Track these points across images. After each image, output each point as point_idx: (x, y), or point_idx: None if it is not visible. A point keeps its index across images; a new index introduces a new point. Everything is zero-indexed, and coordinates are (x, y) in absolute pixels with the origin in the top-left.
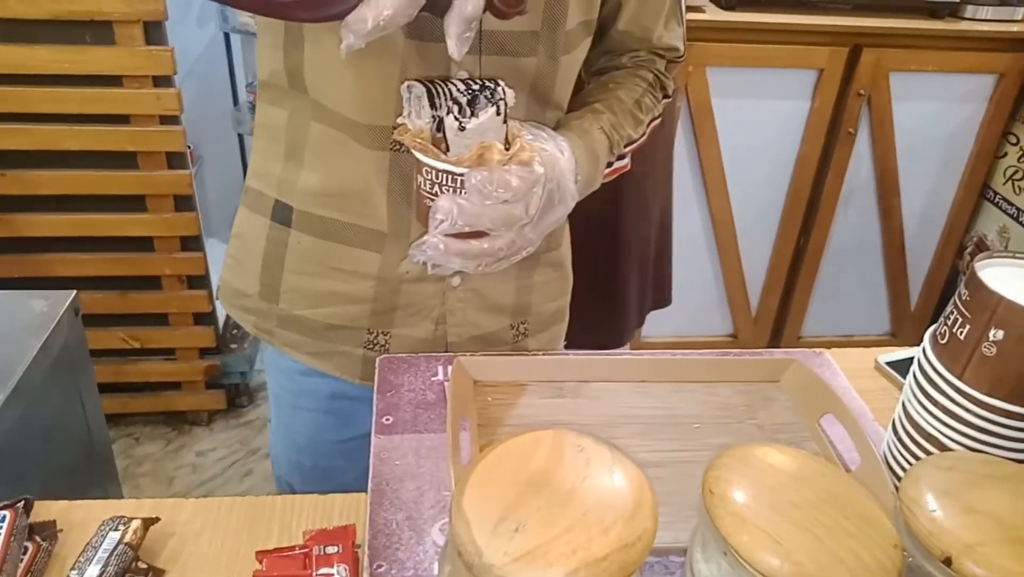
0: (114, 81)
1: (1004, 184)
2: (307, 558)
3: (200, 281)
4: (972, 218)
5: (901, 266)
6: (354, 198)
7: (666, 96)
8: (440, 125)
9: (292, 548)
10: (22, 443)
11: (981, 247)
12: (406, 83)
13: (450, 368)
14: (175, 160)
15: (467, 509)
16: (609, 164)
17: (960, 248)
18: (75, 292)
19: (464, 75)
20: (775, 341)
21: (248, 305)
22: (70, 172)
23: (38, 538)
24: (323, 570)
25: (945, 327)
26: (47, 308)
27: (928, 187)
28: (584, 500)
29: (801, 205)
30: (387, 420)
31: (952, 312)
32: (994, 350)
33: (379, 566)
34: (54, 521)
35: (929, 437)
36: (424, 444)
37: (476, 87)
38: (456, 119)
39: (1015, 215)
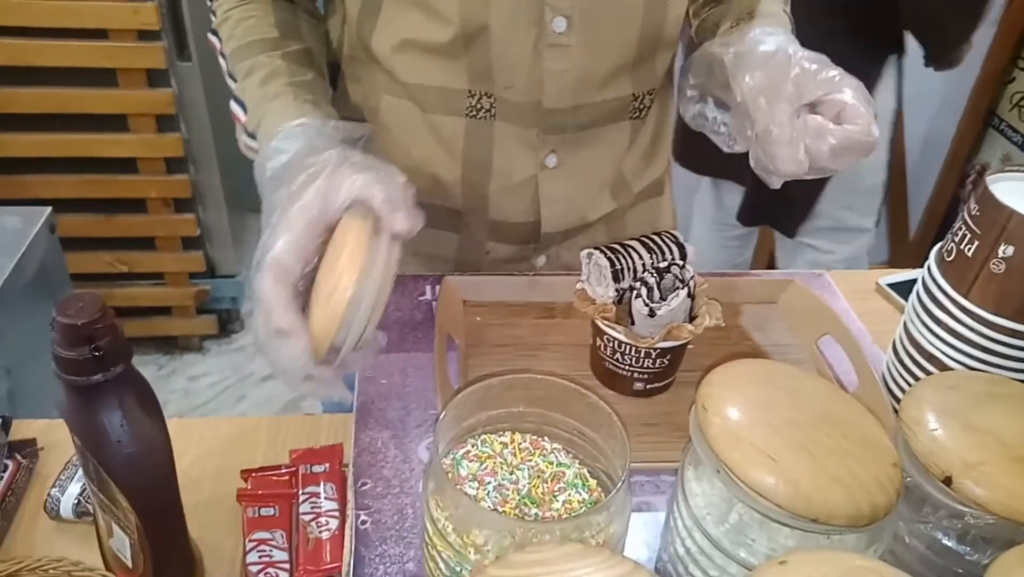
0: None
1: (1010, 111)
2: (293, 477)
3: (187, 205)
4: (976, 146)
5: (901, 194)
6: (426, 175)
7: None
8: (623, 298)
9: (278, 467)
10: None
11: (983, 175)
12: (586, 251)
13: (438, 287)
14: (156, 78)
15: None
16: None
17: (962, 177)
18: (50, 209)
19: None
20: (771, 266)
21: None
22: (46, 89)
23: (18, 456)
24: (309, 488)
25: (952, 244)
26: (20, 225)
27: (931, 114)
28: None
29: None
30: None
31: (960, 228)
32: (1003, 267)
33: (364, 483)
34: (34, 439)
35: (931, 357)
36: (411, 363)
37: (658, 253)
38: (646, 303)
39: (1020, 143)
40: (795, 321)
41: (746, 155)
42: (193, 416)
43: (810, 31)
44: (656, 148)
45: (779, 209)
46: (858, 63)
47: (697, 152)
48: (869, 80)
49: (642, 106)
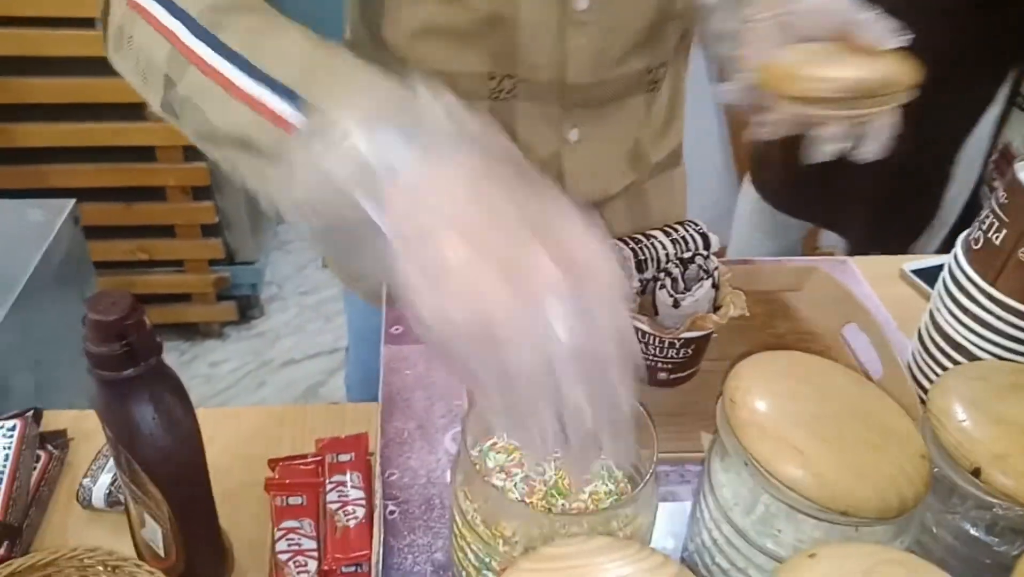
0: None
1: None
2: (320, 466)
3: (205, 192)
4: (999, 126)
5: None
6: None
7: None
8: (647, 288)
9: (305, 456)
10: (26, 355)
11: (1007, 156)
12: (609, 241)
13: None
14: None
15: None
16: None
17: (986, 158)
18: (74, 201)
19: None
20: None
21: (358, 274)
22: (65, 79)
23: (50, 447)
24: (336, 477)
25: (979, 232)
26: (45, 218)
27: None
28: None
29: None
30: (396, 330)
31: (988, 216)
32: None
33: (391, 474)
34: (65, 430)
35: (958, 347)
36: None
37: (681, 243)
38: (670, 294)
39: None
40: (819, 309)
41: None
42: (214, 401)
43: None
44: (671, 118)
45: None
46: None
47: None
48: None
49: (656, 78)
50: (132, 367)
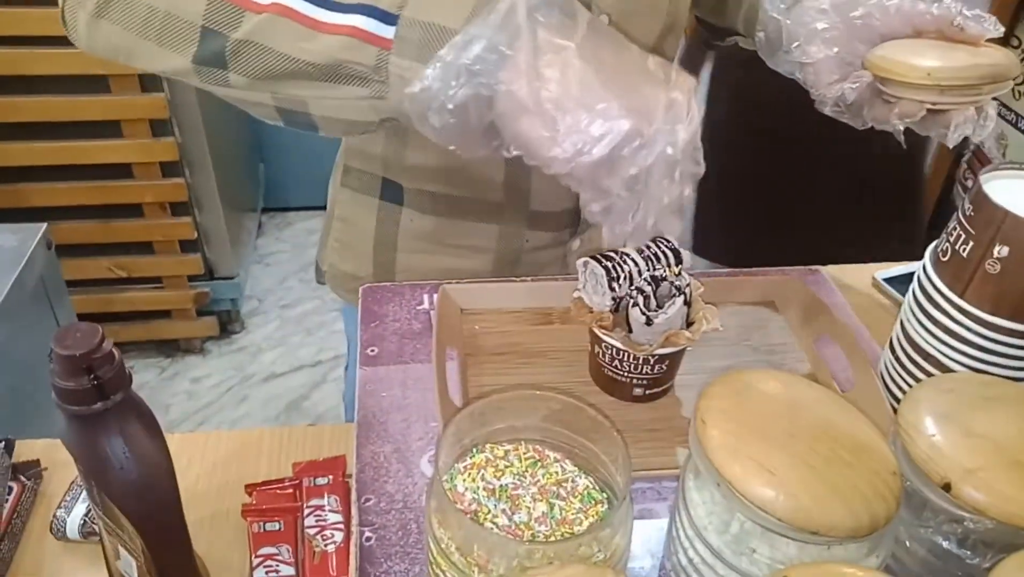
0: None
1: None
2: (297, 490)
3: (183, 208)
4: None
5: None
6: (467, 172)
7: None
8: (620, 305)
9: (282, 481)
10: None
11: (979, 156)
12: (582, 259)
13: (435, 296)
14: (148, 83)
15: None
16: None
17: (957, 156)
18: (45, 225)
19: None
20: None
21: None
22: (39, 98)
23: (23, 477)
24: (314, 501)
25: (947, 243)
26: (17, 243)
27: None
28: None
29: None
30: (372, 351)
31: (955, 228)
32: (998, 267)
33: (367, 500)
34: (38, 460)
35: (928, 357)
36: (410, 375)
37: (653, 260)
38: (643, 312)
39: (1014, 121)
40: (792, 320)
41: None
42: (197, 418)
43: None
44: None
45: None
46: None
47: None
48: None
49: None
50: (101, 401)
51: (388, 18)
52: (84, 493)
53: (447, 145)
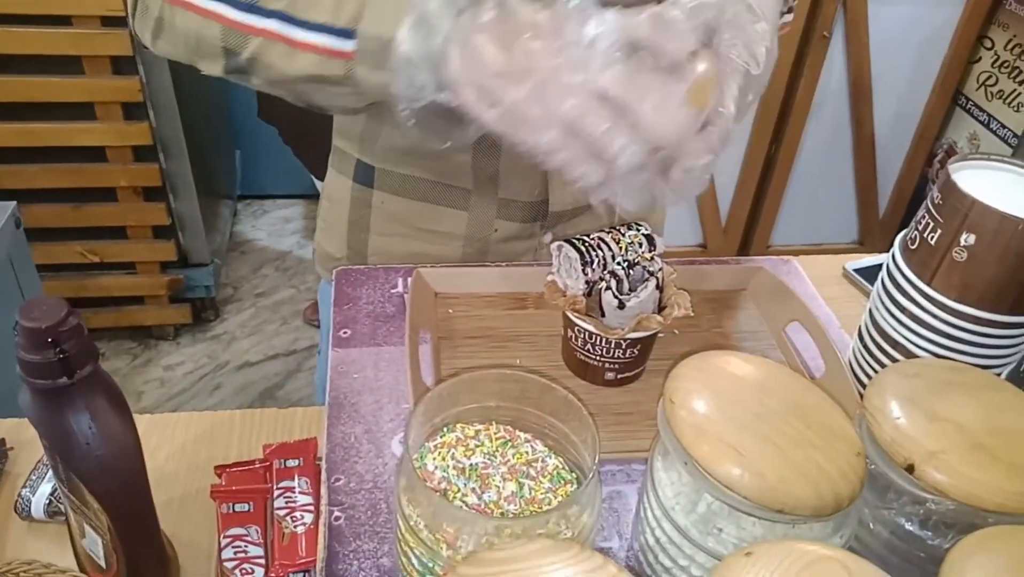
0: None
1: (976, 90)
2: (267, 472)
3: (158, 193)
4: (943, 125)
5: (871, 174)
6: (436, 157)
7: None
8: (593, 289)
9: (252, 462)
10: None
11: (951, 155)
12: (556, 243)
13: (410, 280)
14: (122, 65)
15: None
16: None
17: (930, 156)
18: (14, 203)
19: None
20: (744, 250)
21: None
22: (10, 78)
23: None
24: (284, 483)
25: (916, 232)
26: None
27: (900, 93)
28: None
29: (773, 113)
30: (345, 333)
31: (923, 216)
32: (964, 255)
33: (337, 479)
34: (3, 440)
35: (896, 344)
36: (383, 357)
37: (626, 246)
38: (615, 296)
39: (986, 121)
40: (763, 308)
41: None
42: (169, 406)
43: None
44: None
45: None
46: None
47: None
48: None
49: None
50: (67, 376)
51: (347, 33)
52: (50, 473)
53: (423, 133)
